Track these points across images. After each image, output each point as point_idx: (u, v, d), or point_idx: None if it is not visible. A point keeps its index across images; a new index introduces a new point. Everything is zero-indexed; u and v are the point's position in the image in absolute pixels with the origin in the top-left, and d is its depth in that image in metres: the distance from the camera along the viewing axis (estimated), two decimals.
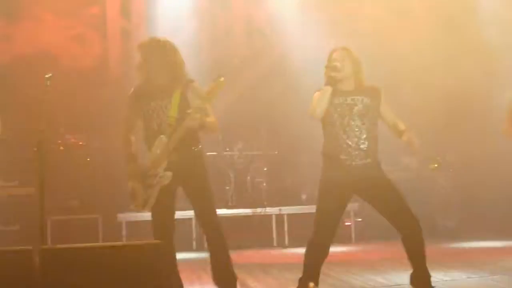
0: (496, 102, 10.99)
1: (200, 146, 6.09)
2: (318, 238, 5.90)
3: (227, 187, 10.70)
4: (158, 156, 5.92)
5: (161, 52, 6.02)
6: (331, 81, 5.89)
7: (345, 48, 6.03)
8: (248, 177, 10.87)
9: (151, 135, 6.02)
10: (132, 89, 6.21)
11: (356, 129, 5.87)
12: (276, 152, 11.36)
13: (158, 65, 5.99)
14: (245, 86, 12.37)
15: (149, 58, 6.02)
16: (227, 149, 11.03)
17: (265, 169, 10.94)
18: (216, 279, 6.05)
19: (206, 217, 6.06)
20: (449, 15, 11.96)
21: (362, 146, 5.88)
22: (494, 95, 11.16)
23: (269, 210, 10.49)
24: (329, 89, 5.87)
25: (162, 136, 5.93)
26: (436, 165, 11.20)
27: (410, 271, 5.98)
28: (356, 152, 5.86)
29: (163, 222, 6.03)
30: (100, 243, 9.85)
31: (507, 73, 10.83)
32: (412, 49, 11.85)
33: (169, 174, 5.91)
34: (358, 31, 12.06)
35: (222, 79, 5.81)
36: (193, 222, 9.97)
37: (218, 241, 6.03)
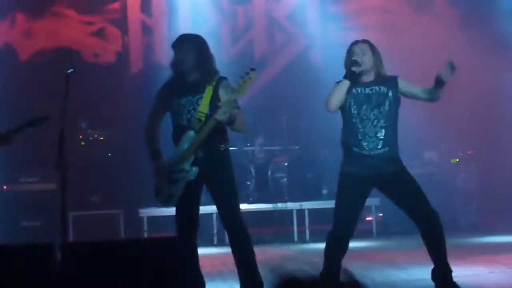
0: None
1: (227, 145, 6.05)
2: (338, 231, 5.89)
3: (248, 182, 10.69)
4: (185, 151, 5.90)
5: (195, 48, 5.97)
6: (350, 76, 5.89)
7: (366, 40, 6.03)
8: (269, 172, 10.84)
9: (180, 130, 5.97)
10: (163, 83, 6.17)
11: (374, 118, 5.86)
12: (297, 147, 11.34)
13: (192, 61, 5.95)
14: (266, 81, 12.36)
15: (183, 55, 5.97)
16: (248, 144, 11.03)
17: (285, 164, 10.92)
18: (242, 276, 6.02)
19: (230, 216, 6.00)
20: (468, 8, 11.91)
21: (379, 135, 5.86)
22: None
23: (290, 205, 10.48)
24: (346, 83, 5.87)
25: (190, 131, 5.90)
26: (457, 160, 11.14)
27: (432, 266, 5.96)
28: (374, 141, 5.85)
29: (188, 218, 6.01)
30: (122, 238, 9.91)
31: None
32: (430, 43, 11.80)
33: (195, 170, 5.88)
34: (378, 24, 12.03)
35: (254, 72, 5.79)
36: (214, 217, 9.97)
37: (243, 239, 5.97)
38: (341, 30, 12.00)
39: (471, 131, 11.30)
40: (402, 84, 5.99)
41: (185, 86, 5.97)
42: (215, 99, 5.89)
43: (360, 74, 5.93)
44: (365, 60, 5.91)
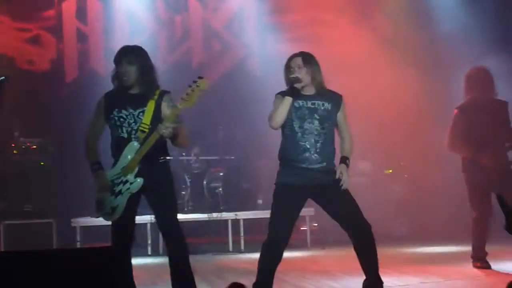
0: (449, 111, 11.13)
1: (167, 157, 6.03)
2: (273, 241, 5.91)
3: (183, 192, 10.66)
4: (129, 161, 5.84)
5: (138, 61, 5.88)
6: (292, 92, 5.90)
7: (300, 53, 6.05)
8: (205, 182, 10.83)
9: (120, 142, 5.89)
10: (104, 94, 6.09)
11: (315, 133, 5.91)
12: (233, 157, 11.34)
13: (134, 75, 5.86)
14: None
15: (125, 68, 5.88)
16: (183, 154, 10.99)
17: (221, 174, 10.92)
18: (176, 286, 6.01)
19: (168, 226, 5.97)
20: (402, 21, 12.10)
21: (319, 150, 5.91)
22: (448, 104, 11.28)
23: (225, 215, 10.46)
24: (289, 100, 5.89)
25: (133, 142, 5.84)
26: (390, 171, 11.29)
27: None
28: (313, 156, 5.90)
29: (124, 229, 5.95)
30: (54, 248, 9.78)
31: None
32: (367, 55, 11.94)
33: (140, 181, 5.82)
34: (314, 35, 12.13)
35: (202, 79, 5.71)
36: (149, 227, 9.92)
37: (179, 249, 5.96)
38: (279, 41, 12.07)
39: (403, 142, 11.46)
40: (341, 114, 6.03)
41: (126, 99, 5.90)
42: (157, 113, 5.85)
43: (301, 88, 5.96)
44: (302, 73, 5.94)
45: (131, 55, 5.92)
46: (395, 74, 11.53)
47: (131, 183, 5.84)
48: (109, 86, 6.13)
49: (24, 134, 10.70)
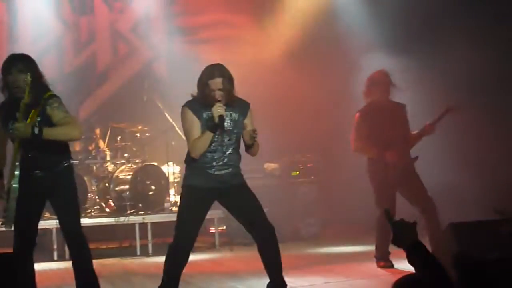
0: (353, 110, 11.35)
1: (70, 161, 6.01)
2: (179, 244, 5.93)
3: (89, 196, 10.54)
4: (8, 171, 5.90)
5: (27, 69, 5.82)
6: (215, 128, 5.84)
7: (223, 73, 5.89)
8: (111, 186, 10.73)
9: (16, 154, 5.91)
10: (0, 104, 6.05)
11: (223, 144, 5.94)
12: (140, 160, 11.26)
13: (24, 83, 5.79)
14: (109, 93, 12.26)
15: (14, 77, 5.82)
16: (89, 157, 10.85)
17: (128, 177, 10.83)
18: None
19: (71, 231, 5.99)
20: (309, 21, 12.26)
21: (226, 160, 5.97)
22: (353, 104, 11.49)
23: (132, 218, 10.38)
24: (211, 136, 5.84)
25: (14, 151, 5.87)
26: (297, 172, 11.41)
27: None
28: (220, 165, 5.96)
29: (26, 234, 5.92)
30: None
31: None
32: (273, 56, 12.05)
33: (16, 187, 5.81)
34: (223, 37, 12.19)
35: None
36: (54, 232, 9.77)
37: (83, 253, 5.98)
38: (186, 43, 12.08)
39: (310, 144, 11.61)
40: (248, 121, 6.00)
41: (17, 111, 5.84)
42: (44, 119, 5.81)
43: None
44: (223, 99, 5.88)
45: (21, 63, 5.88)
46: (300, 76, 11.67)
47: (10, 191, 5.85)
48: None
49: None
